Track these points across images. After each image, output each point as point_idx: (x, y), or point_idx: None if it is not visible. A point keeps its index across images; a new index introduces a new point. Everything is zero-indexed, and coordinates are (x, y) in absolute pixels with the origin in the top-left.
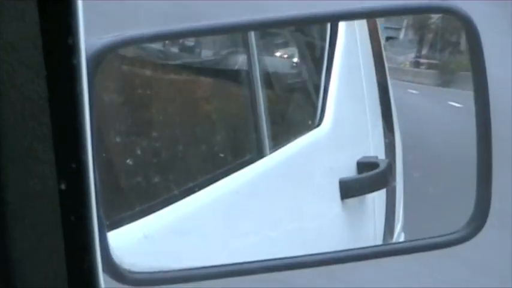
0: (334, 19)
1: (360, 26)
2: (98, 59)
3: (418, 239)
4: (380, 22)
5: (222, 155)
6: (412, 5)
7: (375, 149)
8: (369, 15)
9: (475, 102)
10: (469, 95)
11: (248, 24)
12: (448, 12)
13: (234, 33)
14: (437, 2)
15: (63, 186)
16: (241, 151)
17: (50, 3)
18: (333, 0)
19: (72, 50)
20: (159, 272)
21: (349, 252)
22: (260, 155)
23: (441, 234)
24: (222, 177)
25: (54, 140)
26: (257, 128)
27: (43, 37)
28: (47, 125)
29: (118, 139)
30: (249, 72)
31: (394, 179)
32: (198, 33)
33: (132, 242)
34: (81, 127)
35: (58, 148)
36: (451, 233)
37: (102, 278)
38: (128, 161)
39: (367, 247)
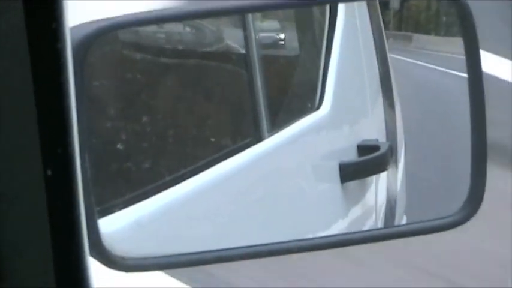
0: (323, 1)
1: (360, 8)
2: (88, 43)
3: (414, 223)
4: None
5: (217, 139)
6: None
7: (376, 132)
8: None
9: (468, 85)
10: None
11: (246, 6)
12: None
13: (231, 16)
14: None
15: (49, 172)
16: (239, 135)
17: None
18: None
19: (56, 34)
20: (151, 257)
21: (348, 236)
22: (258, 138)
23: (437, 217)
24: (218, 162)
25: (39, 126)
26: (255, 111)
27: (26, 22)
28: (32, 111)
29: (109, 124)
30: (246, 55)
31: (395, 161)
32: (192, 15)
33: (123, 228)
34: (67, 112)
35: (43, 134)
36: (446, 217)
37: (90, 264)
38: (118, 146)
39: (365, 231)
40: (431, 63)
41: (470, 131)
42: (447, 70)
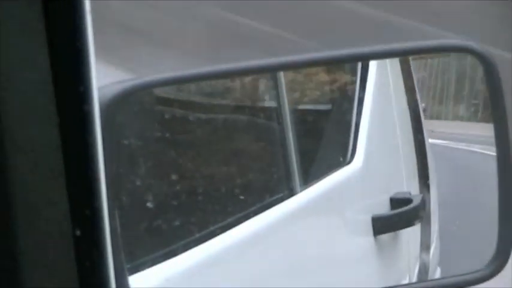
0: (354, 59)
1: (392, 62)
2: (115, 104)
3: (446, 277)
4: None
5: (248, 195)
6: (429, 45)
7: (409, 185)
8: (388, 55)
9: (495, 143)
10: None
11: (274, 65)
12: (465, 50)
13: (260, 74)
14: (453, 41)
15: (78, 233)
16: (271, 190)
17: (60, 50)
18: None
19: (83, 97)
20: None
21: None
22: (290, 193)
23: (466, 272)
24: (250, 218)
25: (68, 188)
26: (287, 166)
27: (54, 85)
28: (61, 172)
29: (138, 182)
30: (278, 109)
31: (427, 214)
32: (219, 75)
33: (154, 286)
34: (95, 174)
35: (72, 195)
36: (475, 271)
37: None
38: (148, 204)
39: (399, 285)
40: None
41: (497, 183)
42: None
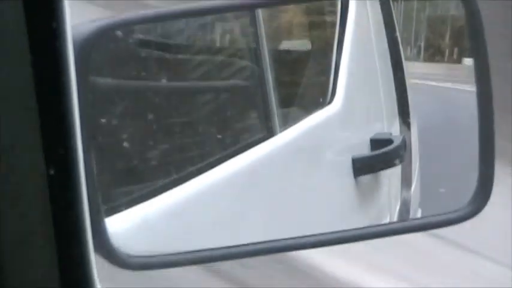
0: None
1: (372, 1)
2: (91, 42)
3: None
4: None
5: (227, 136)
6: None
7: (389, 126)
8: None
9: (475, 81)
10: None
11: (253, 2)
12: None
13: (238, 12)
14: None
15: (51, 172)
16: (250, 131)
17: None
18: None
19: (56, 33)
20: (158, 256)
21: (362, 231)
22: (270, 134)
23: (446, 212)
24: (229, 159)
25: (41, 126)
26: (266, 107)
27: (27, 21)
28: (34, 110)
29: (115, 121)
30: (257, 50)
31: (408, 154)
32: (197, 12)
33: (131, 227)
34: (68, 112)
35: (45, 134)
36: (456, 210)
37: (93, 263)
38: (125, 144)
39: (378, 225)
40: None
41: (478, 122)
42: None
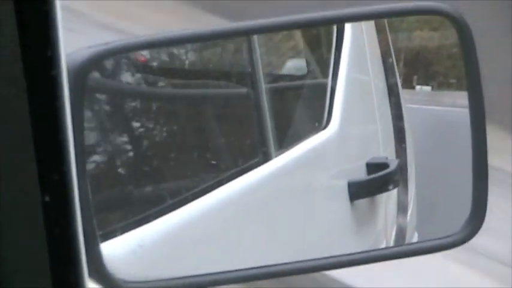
0: (328, 22)
1: (368, 27)
2: (86, 69)
3: (417, 242)
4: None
5: (222, 161)
6: (403, 7)
7: (385, 150)
8: (362, 17)
9: (468, 104)
10: None
11: (250, 28)
12: (439, 13)
13: (235, 38)
14: (427, 4)
15: (47, 198)
16: (246, 155)
17: (28, 14)
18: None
19: (51, 61)
20: (155, 280)
21: (358, 256)
22: (266, 158)
23: (440, 236)
24: (224, 184)
25: (36, 153)
26: (262, 131)
27: (22, 49)
28: (29, 137)
29: (109, 148)
30: (253, 75)
31: (404, 179)
32: (193, 39)
33: (126, 252)
34: (63, 139)
35: (40, 161)
36: (449, 235)
37: None
38: (120, 170)
39: (374, 250)
40: None
41: (471, 145)
42: None
